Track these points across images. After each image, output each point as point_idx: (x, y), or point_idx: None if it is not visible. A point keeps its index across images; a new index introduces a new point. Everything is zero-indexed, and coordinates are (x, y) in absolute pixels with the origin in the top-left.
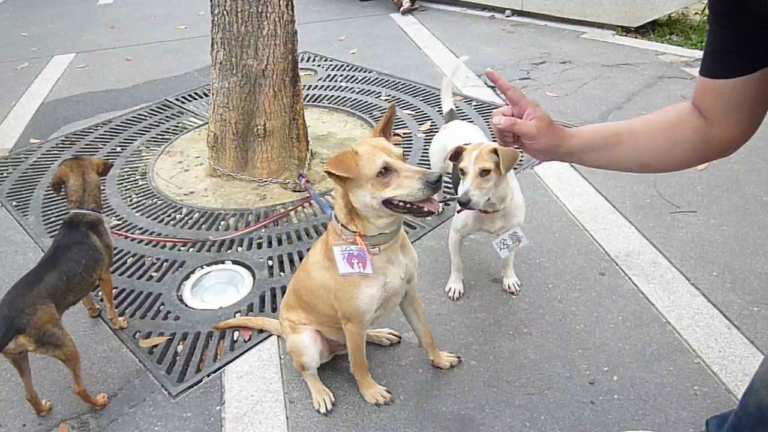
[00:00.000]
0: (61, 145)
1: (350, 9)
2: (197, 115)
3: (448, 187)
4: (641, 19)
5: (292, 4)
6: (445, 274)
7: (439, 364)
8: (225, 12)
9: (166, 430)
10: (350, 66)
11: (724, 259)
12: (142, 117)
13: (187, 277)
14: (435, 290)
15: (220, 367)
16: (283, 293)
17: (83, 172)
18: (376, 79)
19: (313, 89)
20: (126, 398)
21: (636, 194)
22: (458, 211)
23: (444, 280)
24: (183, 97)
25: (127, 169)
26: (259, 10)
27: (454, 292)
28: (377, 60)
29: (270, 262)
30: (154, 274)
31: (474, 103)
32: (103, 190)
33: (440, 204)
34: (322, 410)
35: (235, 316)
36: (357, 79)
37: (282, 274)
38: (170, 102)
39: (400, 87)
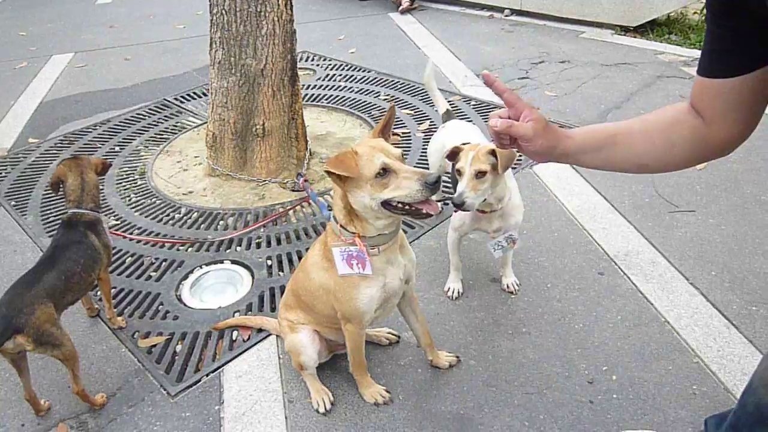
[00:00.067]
0: (59, 145)
1: (349, 8)
2: (196, 114)
3: (447, 187)
4: (640, 18)
5: (291, 3)
6: (443, 273)
7: (438, 364)
8: (224, 11)
9: (165, 429)
10: (349, 65)
11: (723, 259)
12: (141, 116)
13: (185, 277)
14: (434, 290)
15: (219, 367)
16: (282, 293)
17: (82, 172)
18: (375, 78)
19: (312, 89)
20: (125, 398)
21: (635, 194)
22: (455, 211)
23: (443, 279)
24: (182, 97)
25: (126, 169)
26: (258, 10)
27: (453, 292)
28: (376, 59)
29: (269, 262)
30: (152, 273)
31: (473, 103)
32: (102, 189)
33: (439, 204)
34: (321, 410)
35: (234, 316)
36: (356, 78)
37: (281, 273)
38: (169, 101)
39: (399, 86)
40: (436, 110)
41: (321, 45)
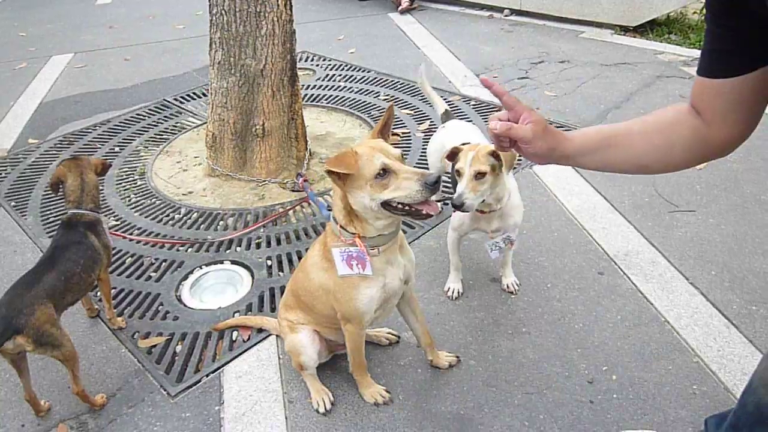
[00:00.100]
0: (59, 145)
1: (349, 8)
2: (196, 114)
3: (447, 187)
4: (640, 18)
5: (290, 3)
6: (443, 273)
7: (437, 364)
8: (223, 12)
9: (165, 430)
10: (349, 65)
11: (723, 258)
12: (141, 117)
13: (185, 277)
14: (434, 290)
15: (219, 367)
16: (282, 293)
17: (81, 172)
18: (375, 78)
19: (311, 89)
20: (125, 398)
21: (635, 193)
22: (454, 211)
23: (443, 279)
24: (181, 97)
25: (126, 169)
26: (258, 10)
27: (453, 292)
28: (376, 59)
29: (269, 262)
30: (152, 274)
31: (472, 103)
32: (102, 190)
33: (439, 204)
34: (321, 410)
35: (234, 316)
36: (355, 78)
37: (281, 273)
38: (169, 102)
39: (399, 86)
40: (435, 111)
41: (320, 45)
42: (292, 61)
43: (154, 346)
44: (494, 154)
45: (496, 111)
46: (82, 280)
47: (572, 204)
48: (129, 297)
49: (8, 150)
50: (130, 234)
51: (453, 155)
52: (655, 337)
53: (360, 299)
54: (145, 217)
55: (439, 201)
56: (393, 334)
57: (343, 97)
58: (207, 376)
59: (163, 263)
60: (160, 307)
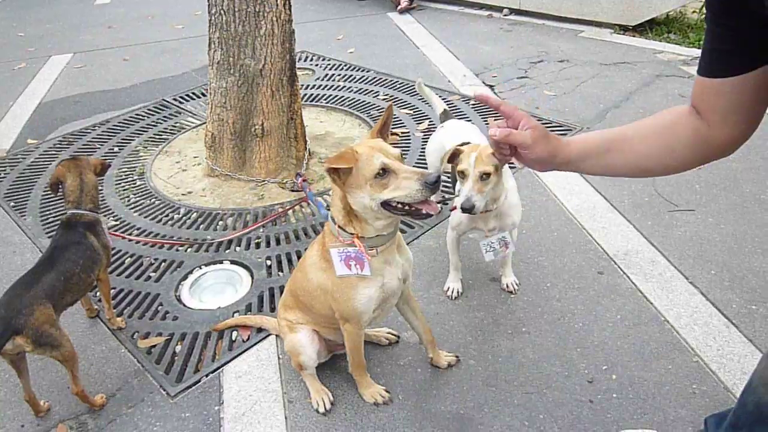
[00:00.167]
0: (58, 146)
1: (348, 8)
2: (195, 114)
3: (447, 187)
4: (639, 17)
5: (289, 3)
6: (443, 273)
7: (437, 363)
8: (222, 11)
9: (164, 430)
10: (348, 65)
11: (723, 258)
12: (140, 117)
13: (185, 277)
14: (433, 289)
15: (219, 367)
16: (282, 293)
17: (81, 173)
18: (374, 78)
19: (310, 89)
20: (124, 398)
21: (634, 193)
22: (451, 210)
23: (442, 279)
24: (181, 97)
25: (125, 169)
26: (257, 10)
27: (452, 292)
28: (375, 59)
29: (268, 262)
30: (152, 274)
31: (472, 102)
32: (101, 190)
33: (438, 205)
34: (321, 410)
35: (233, 316)
36: (355, 78)
37: (280, 273)
38: (168, 102)
39: (398, 86)
40: (434, 111)
41: (320, 45)
42: (291, 61)
43: (154, 346)
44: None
45: (495, 113)
46: (81, 280)
47: (572, 203)
48: (128, 297)
49: (7, 150)
50: (130, 234)
51: (454, 156)
52: (654, 336)
53: (358, 299)
54: (145, 217)
55: (438, 202)
56: (393, 334)
57: (343, 96)
58: (207, 376)
59: (163, 263)
60: (160, 307)
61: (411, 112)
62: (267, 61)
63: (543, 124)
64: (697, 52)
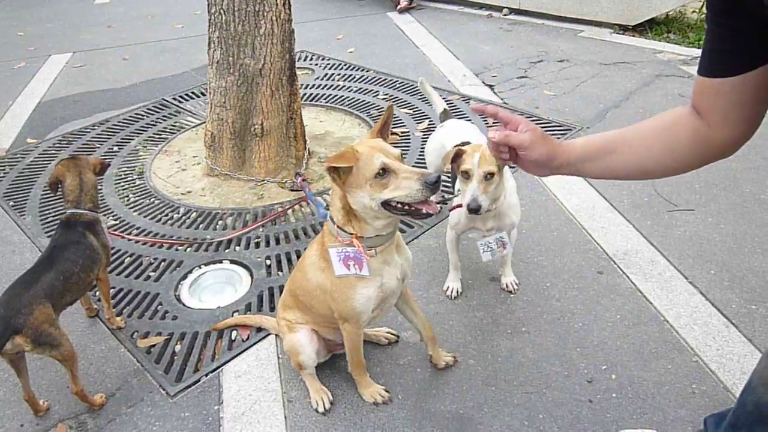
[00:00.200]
0: (58, 145)
1: (348, 8)
2: (194, 114)
3: (446, 187)
4: (639, 17)
5: (289, 2)
6: (443, 273)
7: (436, 362)
8: (222, 11)
9: (164, 429)
10: (348, 65)
11: (722, 258)
12: (140, 116)
13: (184, 277)
14: (433, 289)
15: (218, 367)
16: (281, 292)
17: (80, 172)
18: (374, 77)
19: (310, 88)
20: (124, 398)
21: (634, 193)
22: (451, 210)
23: (442, 279)
24: (180, 97)
25: (125, 169)
26: (256, 9)
27: (452, 291)
28: (375, 59)
29: (268, 262)
30: (151, 273)
31: (472, 102)
32: (100, 189)
33: (438, 205)
34: (321, 409)
35: (232, 316)
36: (354, 77)
37: (280, 273)
38: (167, 101)
39: (398, 86)
40: (434, 110)
41: (319, 44)
42: (291, 61)
43: (153, 345)
44: None
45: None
46: (80, 279)
47: (571, 203)
48: (128, 297)
49: (7, 150)
50: (129, 234)
51: (457, 157)
52: (654, 336)
53: (357, 299)
54: (144, 216)
55: (438, 202)
56: (392, 334)
57: (342, 96)
58: (206, 375)
59: (162, 263)
60: (159, 306)
61: (411, 111)
62: (266, 61)
63: (543, 123)
64: (697, 52)
